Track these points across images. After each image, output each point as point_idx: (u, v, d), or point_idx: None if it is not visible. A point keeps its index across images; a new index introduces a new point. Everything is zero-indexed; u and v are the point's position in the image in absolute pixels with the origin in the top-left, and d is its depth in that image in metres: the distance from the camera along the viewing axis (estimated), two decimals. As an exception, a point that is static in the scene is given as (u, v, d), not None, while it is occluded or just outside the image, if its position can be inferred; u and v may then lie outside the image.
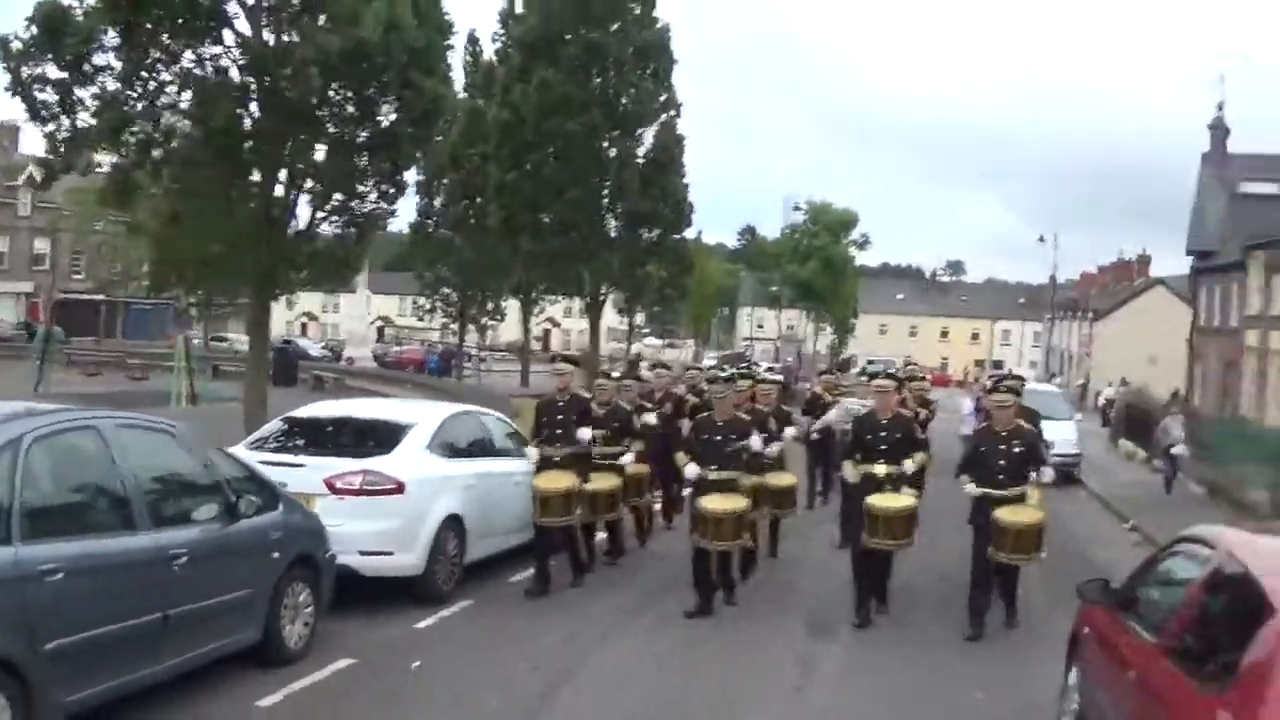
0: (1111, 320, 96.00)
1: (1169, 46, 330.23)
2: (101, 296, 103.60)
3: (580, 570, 18.25)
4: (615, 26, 58.59)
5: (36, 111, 27.52)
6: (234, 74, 28.51)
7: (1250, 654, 7.12)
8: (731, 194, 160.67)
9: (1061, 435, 32.92)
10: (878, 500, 16.49)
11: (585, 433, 17.81)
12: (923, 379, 27.69)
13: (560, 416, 17.87)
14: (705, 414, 18.22)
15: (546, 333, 74.82)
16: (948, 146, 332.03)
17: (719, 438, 16.87)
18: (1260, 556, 8.18)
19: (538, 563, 17.22)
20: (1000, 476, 15.92)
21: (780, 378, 27.24)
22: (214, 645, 11.45)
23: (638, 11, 60.00)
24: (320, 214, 30.05)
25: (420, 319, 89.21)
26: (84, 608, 9.58)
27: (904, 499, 16.63)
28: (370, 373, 69.47)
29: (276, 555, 12.35)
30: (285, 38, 27.89)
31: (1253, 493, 28.39)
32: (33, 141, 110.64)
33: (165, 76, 27.75)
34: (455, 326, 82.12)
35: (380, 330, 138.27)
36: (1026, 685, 13.36)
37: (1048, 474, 16.47)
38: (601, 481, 18.30)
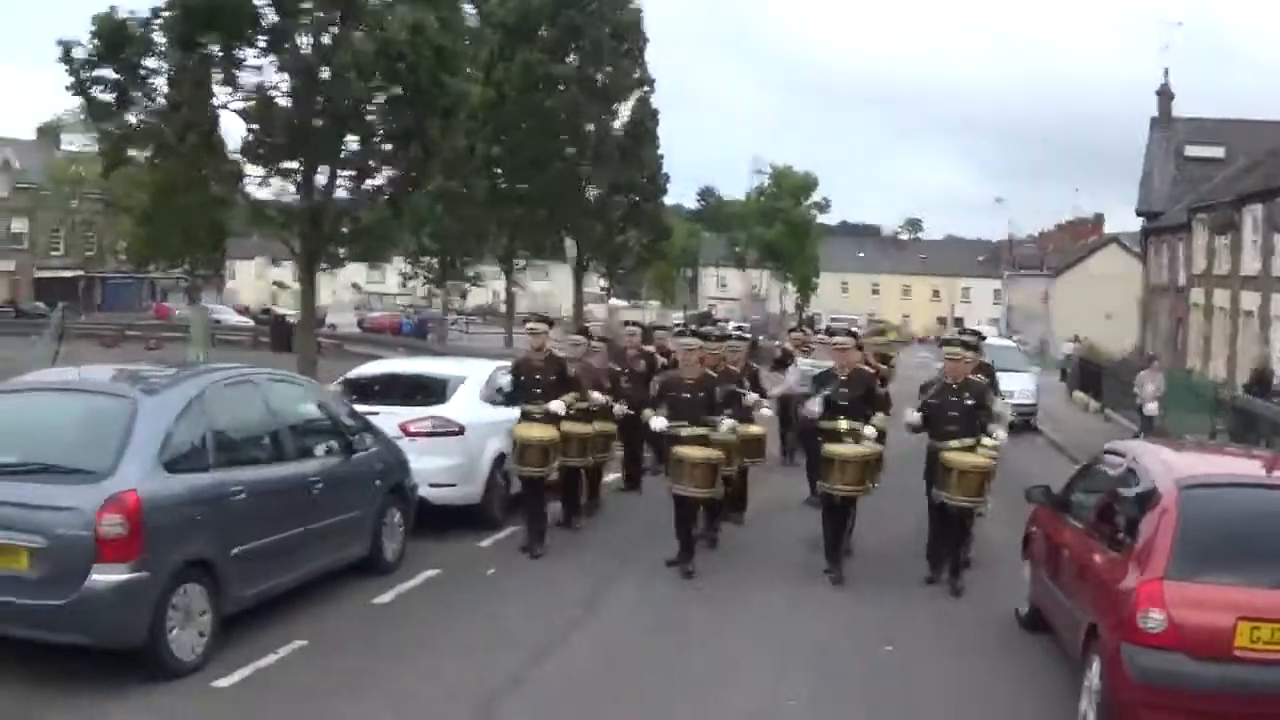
0: (1068, 277, 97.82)
1: (1126, 4, 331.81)
2: (80, 272, 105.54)
3: (576, 514, 19.10)
4: (591, 8, 61.70)
5: (96, 111, 30.70)
6: (273, 78, 32.48)
7: (1144, 523, 10.13)
8: (689, 154, 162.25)
9: (1019, 386, 34.91)
10: (836, 447, 16.63)
11: (557, 405, 17.64)
12: (890, 334, 29.43)
13: (539, 376, 17.86)
14: (672, 371, 18.64)
15: (512, 295, 76.99)
16: (906, 104, 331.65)
17: (687, 395, 16.97)
18: (1156, 460, 11.39)
19: (529, 517, 17.51)
20: (952, 428, 15.99)
21: (749, 337, 27.73)
22: (337, 556, 14.31)
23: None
24: (356, 197, 33.68)
25: (403, 285, 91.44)
26: (255, 522, 12.33)
27: (861, 448, 16.67)
28: (357, 337, 71.60)
29: (379, 484, 15.17)
30: (325, 40, 31.45)
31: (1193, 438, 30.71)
32: (11, 126, 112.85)
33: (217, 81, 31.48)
34: (436, 291, 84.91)
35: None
36: (995, 599, 15.25)
37: (1000, 433, 16.25)
38: (575, 427, 18.56)
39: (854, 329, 22.33)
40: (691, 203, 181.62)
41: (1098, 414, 43.19)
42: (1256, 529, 9.96)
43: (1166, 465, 11.14)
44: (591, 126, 64.84)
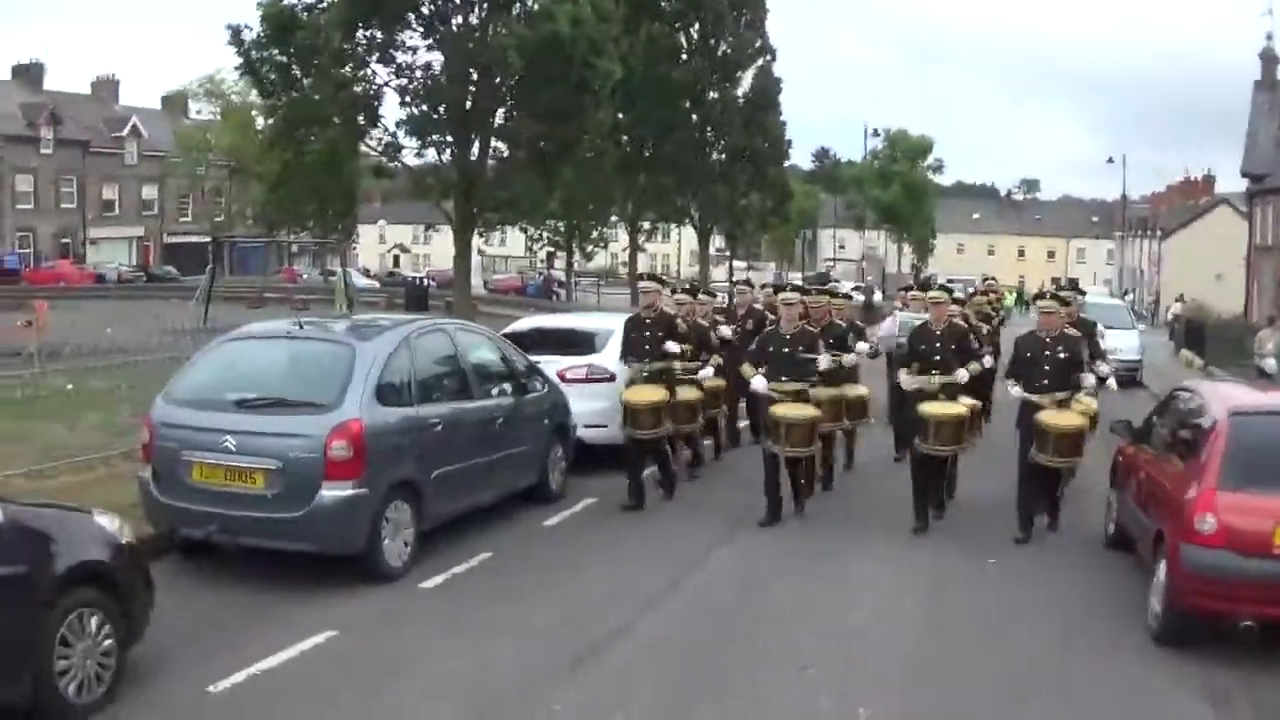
0: (1178, 238, 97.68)
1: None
2: (208, 238, 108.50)
3: (671, 486, 18.65)
4: None
5: (264, 89, 33.68)
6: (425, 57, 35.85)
7: (1201, 445, 12.17)
8: (804, 116, 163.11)
9: (1124, 343, 35.75)
10: (929, 407, 16.79)
11: (673, 345, 18.09)
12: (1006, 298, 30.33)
13: (648, 333, 18.22)
14: (772, 326, 18.68)
15: (635, 257, 79.45)
16: (1023, 64, 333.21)
17: (786, 349, 17.13)
18: (1216, 394, 13.51)
19: (631, 476, 17.72)
20: (1045, 381, 16.08)
21: (852, 294, 28.31)
22: (512, 484, 16.61)
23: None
24: (507, 168, 36.86)
25: (530, 249, 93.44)
26: (450, 450, 14.59)
27: (956, 406, 16.89)
28: (488, 298, 73.49)
29: (546, 422, 17.39)
30: (492, 29, 34.51)
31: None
32: (136, 95, 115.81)
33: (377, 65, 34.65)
34: (558, 254, 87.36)
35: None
36: (1085, 524, 16.74)
37: (1089, 380, 16.48)
38: (683, 393, 18.74)
39: (948, 285, 22.12)
40: (806, 163, 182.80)
41: (1201, 371, 44.41)
42: None
43: (1222, 397, 13.23)
44: (715, 95, 67.45)
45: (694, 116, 67.11)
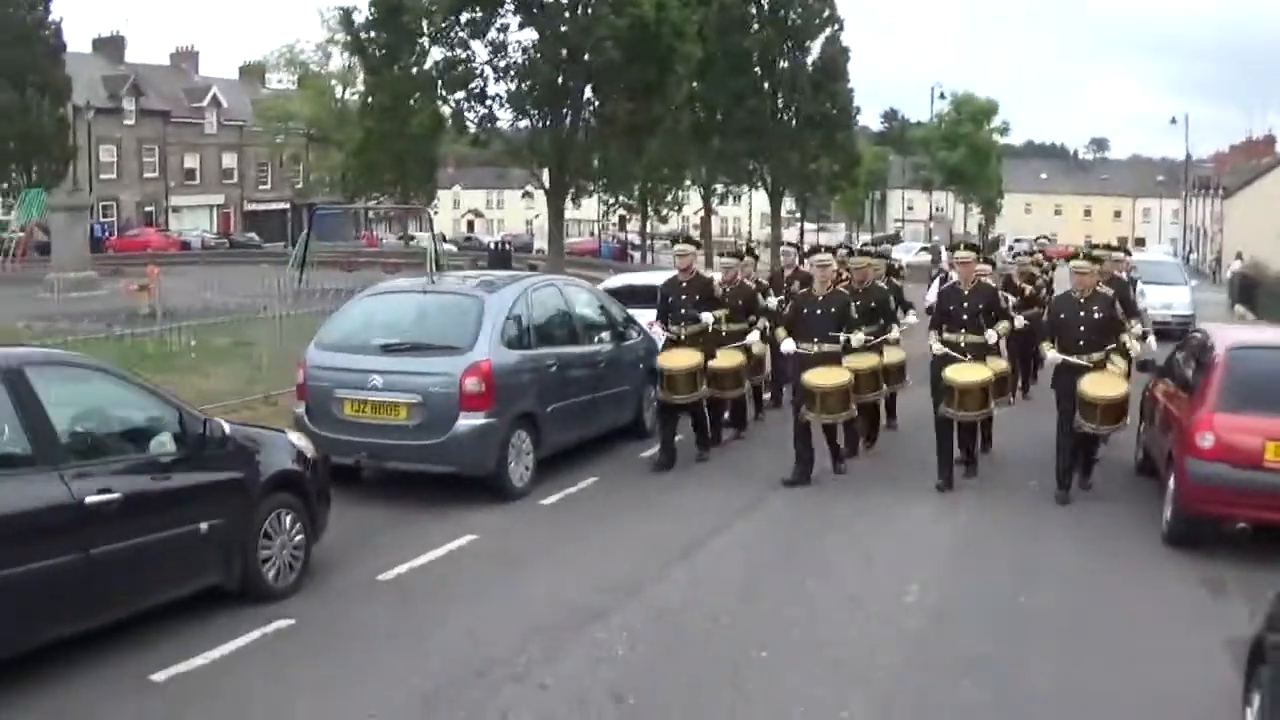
0: (1240, 198, 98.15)
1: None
2: (286, 205, 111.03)
3: (706, 445, 18.59)
4: None
5: (372, 68, 36.65)
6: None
7: (1204, 375, 14.30)
8: (873, 77, 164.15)
9: (1177, 298, 36.69)
10: (952, 373, 16.74)
11: (707, 316, 18.10)
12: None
13: (684, 296, 18.31)
14: (805, 289, 18.39)
15: (707, 220, 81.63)
16: (1095, 21, 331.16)
17: (819, 312, 17.08)
18: (1221, 334, 15.71)
19: (664, 436, 17.94)
20: (1080, 343, 16.02)
21: (888, 253, 28.04)
22: (613, 420, 18.84)
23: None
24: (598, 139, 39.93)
25: (606, 213, 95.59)
26: (562, 388, 16.85)
27: (980, 370, 16.83)
28: (568, 260, 75.48)
29: (641, 366, 19.37)
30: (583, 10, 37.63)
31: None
32: (213, 66, 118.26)
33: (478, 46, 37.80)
34: (630, 217, 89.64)
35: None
36: (1119, 451, 18.20)
37: (1135, 345, 16.56)
38: (727, 359, 18.51)
39: (975, 244, 22.04)
40: (876, 124, 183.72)
41: (1254, 325, 45.93)
42: None
43: (1224, 336, 15.43)
44: (784, 63, 69.53)
45: (765, 84, 69.35)
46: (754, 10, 68.37)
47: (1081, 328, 16.06)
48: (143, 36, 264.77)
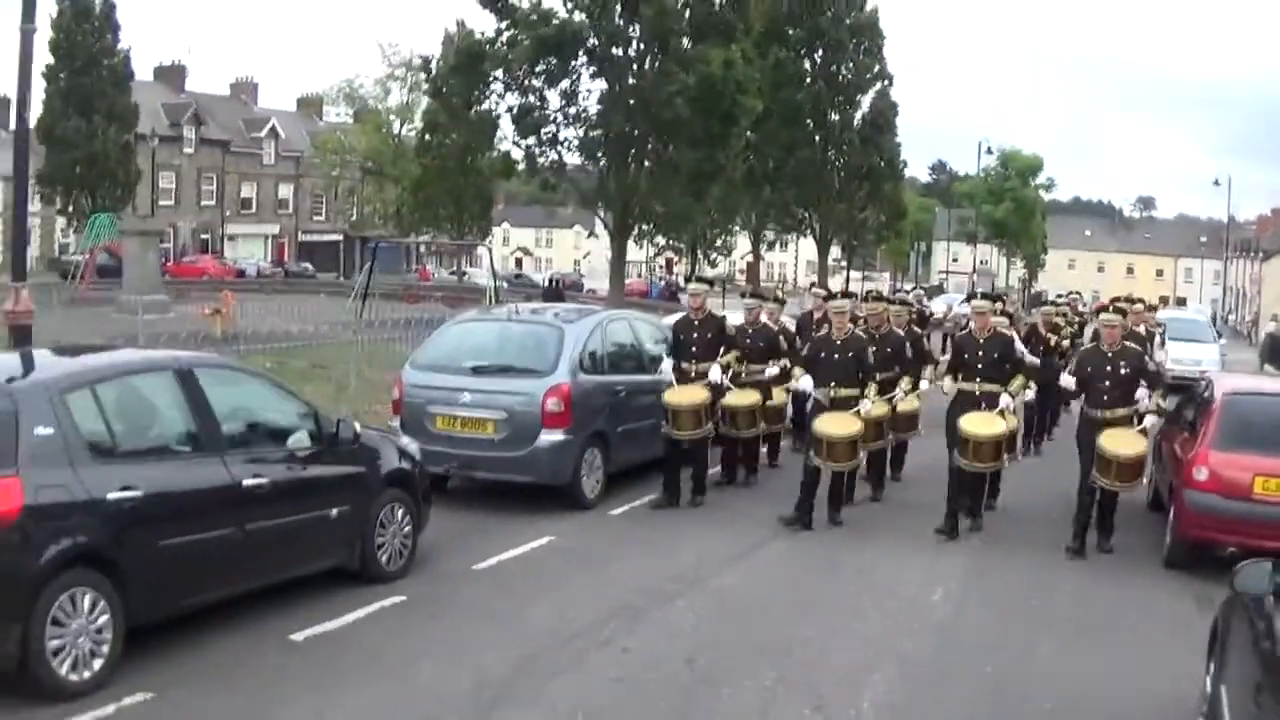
0: (1278, 260, 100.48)
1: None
2: (339, 237, 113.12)
3: (702, 489, 18.47)
4: (832, 11, 69.05)
5: (451, 111, 39.07)
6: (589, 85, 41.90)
7: (1203, 418, 16.08)
8: (920, 126, 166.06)
9: (1206, 355, 38.37)
10: (968, 425, 16.71)
11: (716, 373, 18.22)
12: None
13: (696, 335, 18.54)
14: (824, 331, 18.30)
15: (750, 265, 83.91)
16: (1145, 80, 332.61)
17: (836, 355, 17.16)
18: (1221, 381, 17.54)
19: (667, 474, 18.09)
20: (1106, 397, 16.18)
21: (910, 301, 27.33)
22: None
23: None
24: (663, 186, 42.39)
25: (657, 255, 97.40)
26: (630, 411, 18.56)
27: (996, 423, 16.75)
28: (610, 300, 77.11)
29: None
30: (650, 64, 39.98)
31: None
32: (271, 98, 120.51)
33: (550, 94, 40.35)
34: (678, 260, 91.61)
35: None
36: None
37: (1145, 399, 16.09)
38: (740, 398, 18.71)
39: (992, 294, 22.20)
40: (924, 175, 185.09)
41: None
42: (1270, 421, 15.85)
43: (1224, 383, 17.36)
44: (835, 116, 71.92)
45: (816, 136, 71.84)
46: (808, 66, 70.75)
47: (1108, 382, 16.24)
48: (203, 66, 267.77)
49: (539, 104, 43.32)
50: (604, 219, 48.21)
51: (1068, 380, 16.86)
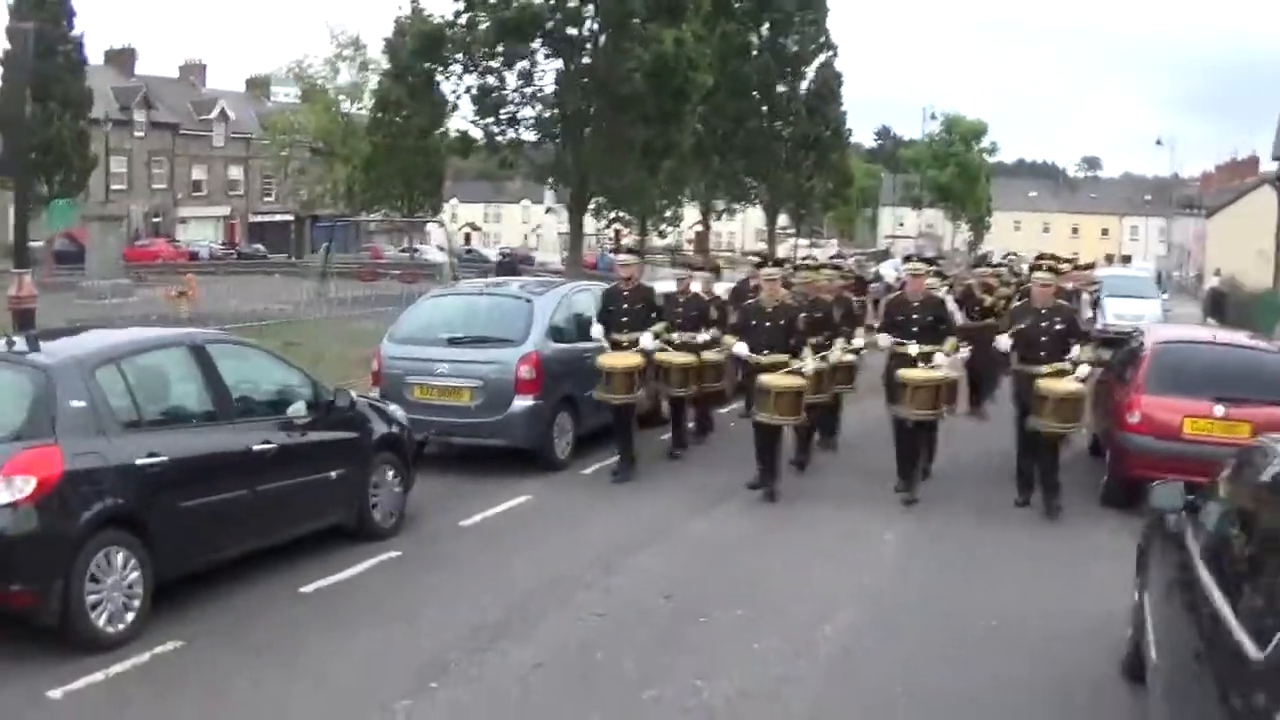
0: (1222, 216, 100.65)
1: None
2: (290, 216, 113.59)
3: (630, 462, 18.52)
4: None
5: (413, 92, 40.54)
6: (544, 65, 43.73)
7: (1137, 366, 17.34)
8: (865, 93, 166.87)
9: (1149, 310, 39.04)
10: (907, 371, 17.01)
11: (648, 339, 18.49)
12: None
13: (625, 305, 18.80)
14: (753, 300, 18.66)
15: (699, 234, 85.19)
16: (1091, 40, 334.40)
17: (767, 324, 17.27)
18: (1154, 331, 18.73)
19: (620, 445, 18.50)
20: (1041, 353, 16.50)
21: (841, 266, 25.94)
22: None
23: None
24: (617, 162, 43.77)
25: (605, 227, 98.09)
26: (597, 376, 18.85)
27: (933, 372, 17.08)
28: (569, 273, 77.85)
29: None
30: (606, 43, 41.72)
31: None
32: (219, 79, 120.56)
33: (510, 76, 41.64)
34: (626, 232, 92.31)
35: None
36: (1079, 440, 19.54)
37: (1087, 353, 16.67)
38: (675, 356, 19.09)
39: (925, 257, 22.50)
40: (869, 141, 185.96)
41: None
42: (1197, 367, 17.13)
43: (1155, 333, 18.78)
44: (782, 88, 73.56)
45: (763, 107, 73.34)
46: (754, 39, 71.88)
47: (1043, 338, 16.61)
48: (151, 48, 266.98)
49: (498, 84, 44.60)
50: (560, 194, 49.35)
51: (1004, 342, 16.97)
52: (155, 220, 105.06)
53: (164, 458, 11.26)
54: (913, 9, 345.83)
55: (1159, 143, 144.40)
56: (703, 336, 19.57)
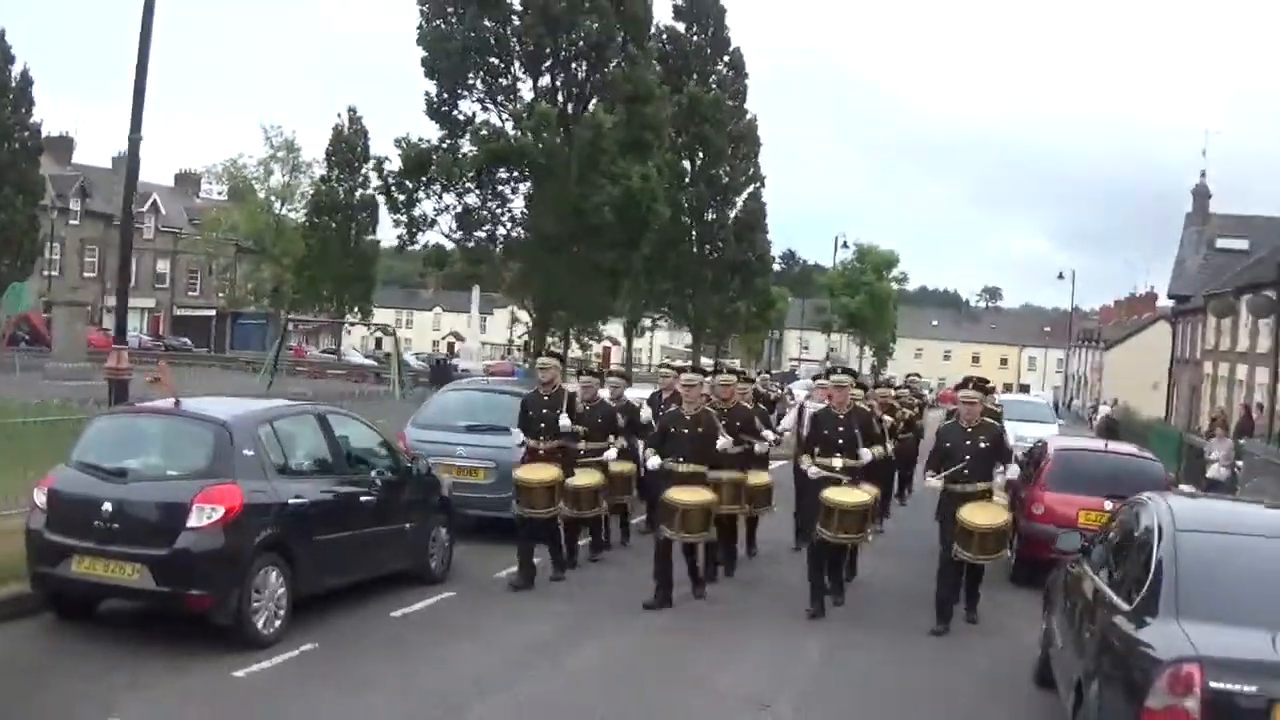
0: (1120, 350, 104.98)
1: (1179, 80, 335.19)
2: (213, 312, 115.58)
3: (561, 565, 18.75)
4: (716, 119, 74.77)
5: (395, 205, 44.58)
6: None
7: (1040, 468, 21.28)
8: (772, 216, 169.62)
9: (1047, 434, 40.13)
10: (832, 493, 16.55)
11: (565, 420, 18.33)
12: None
13: (545, 410, 18.57)
14: (674, 407, 18.52)
15: (606, 350, 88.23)
16: (991, 172, 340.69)
17: (686, 431, 17.02)
18: (1055, 442, 23.01)
19: (521, 555, 18.11)
20: (966, 471, 16.36)
21: (754, 377, 25.43)
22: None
23: (732, 105, 77.07)
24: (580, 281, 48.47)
25: (521, 337, 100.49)
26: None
27: (859, 494, 16.69)
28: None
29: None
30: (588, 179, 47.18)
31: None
32: (150, 172, 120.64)
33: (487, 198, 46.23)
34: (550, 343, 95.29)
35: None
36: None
37: (1013, 470, 17.14)
38: (585, 478, 18.61)
39: (852, 370, 21.49)
40: (775, 264, 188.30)
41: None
42: (1091, 470, 21.10)
43: (1055, 443, 23.02)
44: (712, 215, 78.18)
45: (694, 232, 77.26)
46: (687, 165, 75.87)
47: (968, 456, 16.47)
48: (86, 137, 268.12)
49: (480, 204, 49.07)
50: (529, 309, 53.97)
51: (931, 482, 16.90)
52: (85, 309, 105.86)
53: (305, 499, 14.61)
54: (815, 130, 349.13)
55: (1060, 277, 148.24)
56: (610, 452, 19.21)
